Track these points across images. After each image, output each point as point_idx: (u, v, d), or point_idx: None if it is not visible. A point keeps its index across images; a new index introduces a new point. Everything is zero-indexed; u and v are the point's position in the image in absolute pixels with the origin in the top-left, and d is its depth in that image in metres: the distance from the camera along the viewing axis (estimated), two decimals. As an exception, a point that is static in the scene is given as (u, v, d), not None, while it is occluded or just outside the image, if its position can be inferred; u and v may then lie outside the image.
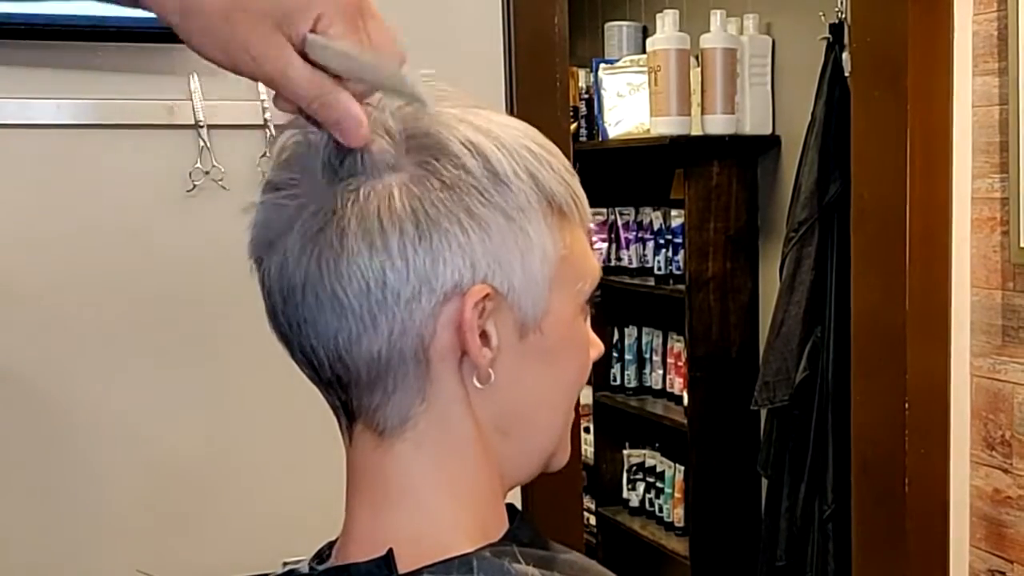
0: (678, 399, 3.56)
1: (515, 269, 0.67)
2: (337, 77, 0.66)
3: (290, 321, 0.68)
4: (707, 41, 3.16)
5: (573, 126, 3.70)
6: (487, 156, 0.67)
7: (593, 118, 3.75)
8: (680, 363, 3.56)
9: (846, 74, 2.75)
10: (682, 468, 3.58)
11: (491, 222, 0.66)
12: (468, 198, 0.66)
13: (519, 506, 0.80)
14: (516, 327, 0.69)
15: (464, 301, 0.66)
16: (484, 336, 0.67)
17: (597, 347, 0.77)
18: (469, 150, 0.67)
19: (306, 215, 0.66)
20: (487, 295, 0.66)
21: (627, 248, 3.66)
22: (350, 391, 0.69)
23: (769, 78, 3.24)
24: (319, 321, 0.67)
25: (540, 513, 1.80)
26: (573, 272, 0.71)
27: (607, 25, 3.82)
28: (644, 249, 3.62)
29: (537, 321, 0.69)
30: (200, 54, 0.66)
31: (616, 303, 3.78)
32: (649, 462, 3.78)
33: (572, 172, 0.72)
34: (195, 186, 1.64)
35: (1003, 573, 2.12)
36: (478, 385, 0.68)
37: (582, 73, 3.81)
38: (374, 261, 0.65)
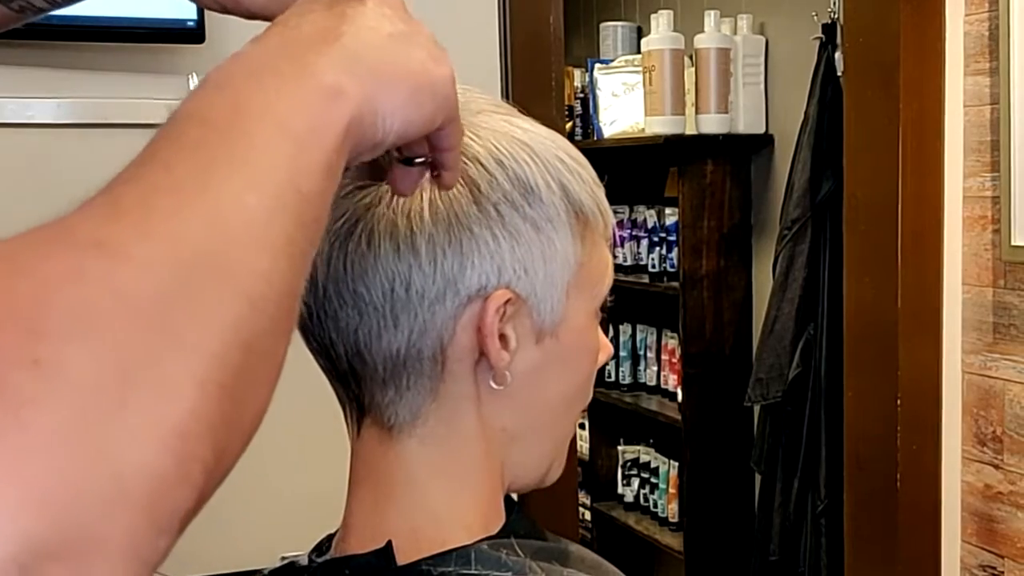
0: (672, 395, 3.57)
1: (538, 276, 0.68)
2: None
3: (310, 312, 0.69)
4: (701, 41, 3.17)
5: (568, 125, 3.72)
6: (520, 166, 0.68)
7: (588, 117, 3.77)
8: (674, 360, 3.57)
9: (839, 74, 2.77)
10: (676, 464, 3.60)
11: (521, 230, 0.67)
12: (500, 206, 0.67)
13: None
14: (533, 332, 0.70)
15: (487, 305, 0.67)
16: (503, 339, 0.68)
17: (606, 350, 0.79)
18: (503, 159, 0.68)
19: (331, 222, 0.67)
20: (509, 299, 0.67)
21: (622, 246, 3.67)
22: (364, 385, 0.70)
23: (762, 78, 3.26)
24: (340, 316, 0.68)
25: (536, 508, 1.81)
26: (590, 279, 0.73)
27: (602, 25, 3.83)
28: (638, 247, 3.64)
29: (554, 326, 0.71)
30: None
31: (611, 300, 3.79)
32: (644, 458, 3.80)
33: (599, 184, 0.73)
34: (194, 185, 1.65)
35: (994, 568, 2.13)
36: (494, 386, 0.69)
37: (577, 73, 3.82)
38: (401, 263, 0.66)
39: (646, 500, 3.78)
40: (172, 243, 0.41)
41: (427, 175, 0.63)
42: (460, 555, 0.69)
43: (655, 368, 3.73)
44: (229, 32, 1.75)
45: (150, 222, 0.41)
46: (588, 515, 3.95)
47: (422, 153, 0.61)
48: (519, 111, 0.73)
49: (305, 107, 0.49)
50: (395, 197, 0.67)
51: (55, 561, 0.35)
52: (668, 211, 3.47)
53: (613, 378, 3.83)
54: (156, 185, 0.43)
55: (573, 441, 0.88)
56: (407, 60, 0.55)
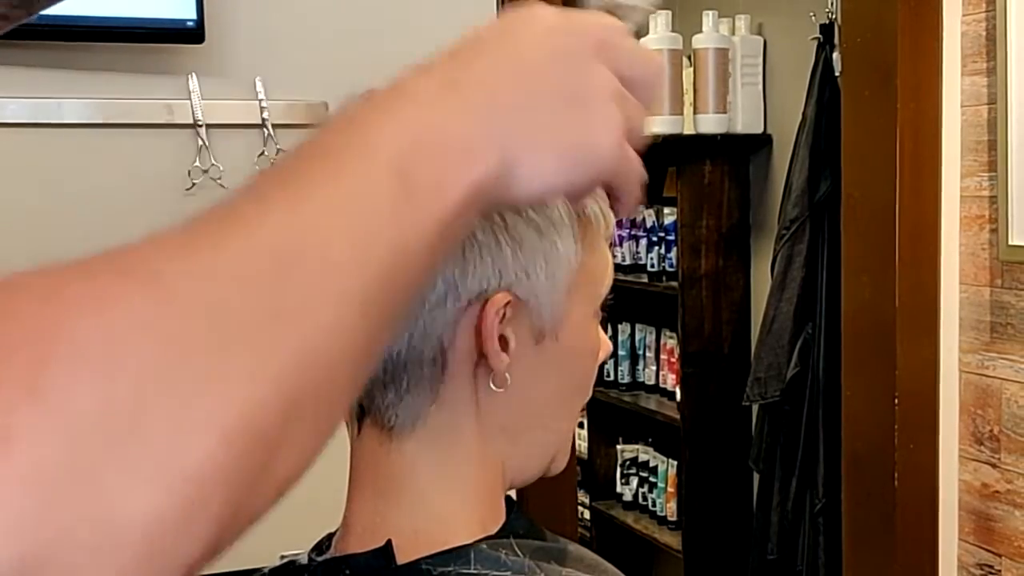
0: (671, 395, 3.58)
1: (539, 279, 0.69)
2: None
3: None
4: (699, 41, 3.18)
5: (567, 124, 3.71)
6: None
7: (587, 116, 3.77)
8: (673, 359, 3.58)
9: (836, 74, 2.77)
10: (675, 463, 3.60)
11: (524, 235, 0.68)
12: (505, 212, 0.67)
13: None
14: (533, 333, 0.70)
15: (486, 308, 0.67)
16: (503, 341, 0.68)
17: (605, 348, 0.79)
18: None
19: None
20: (508, 302, 0.68)
21: (620, 245, 3.67)
22: (363, 387, 0.70)
23: (761, 78, 3.26)
24: None
25: (535, 507, 1.81)
26: (590, 280, 0.73)
27: (600, 24, 3.83)
28: (637, 246, 3.64)
29: (554, 328, 0.71)
30: None
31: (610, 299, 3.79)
32: (642, 457, 3.80)
33: None
34: (194, 184, 1.65)
35: (991, 567, 2.14)
36: (493, 388, 0.70)
37: (576, 72, 3.82)
38: None
39: (645, 499, 3.78)
40: (217, 278, 0.38)
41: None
42: (459, 554, 0.69)
43: (654, 367, 3.73)
44: (229, 32, 1.75)
45: (197, 252, 0.38)
46: (587, 514, 3.95)
47: None
48: None
49: (426, 155, 0.43)
50: None
51: None
52: (667, 211, 3.47)
53: (612, 377, 3.83)
54: (224, 216, 0.40)
55: (572, 440, 0.88)
56: (567, 125, 0.49)
